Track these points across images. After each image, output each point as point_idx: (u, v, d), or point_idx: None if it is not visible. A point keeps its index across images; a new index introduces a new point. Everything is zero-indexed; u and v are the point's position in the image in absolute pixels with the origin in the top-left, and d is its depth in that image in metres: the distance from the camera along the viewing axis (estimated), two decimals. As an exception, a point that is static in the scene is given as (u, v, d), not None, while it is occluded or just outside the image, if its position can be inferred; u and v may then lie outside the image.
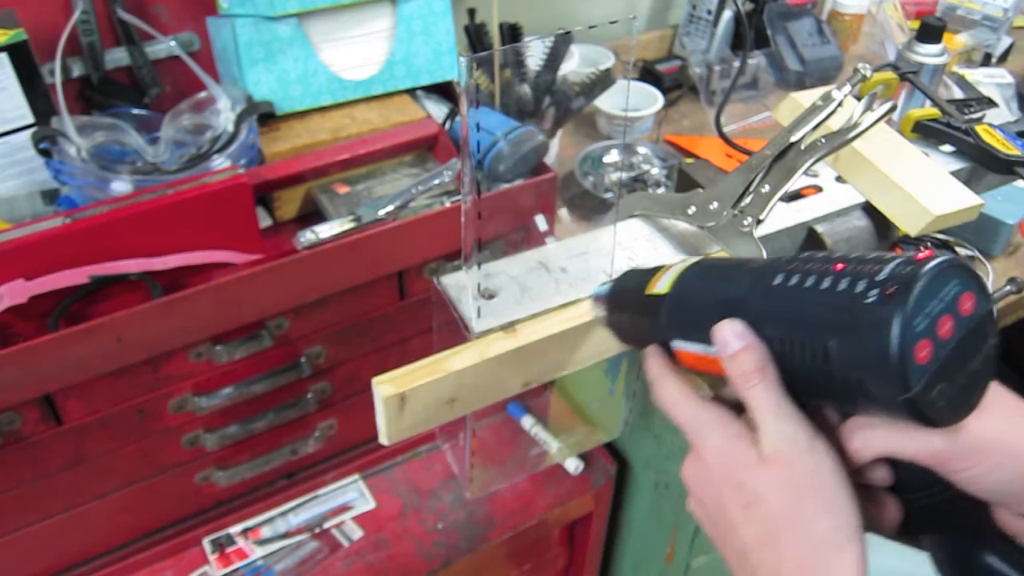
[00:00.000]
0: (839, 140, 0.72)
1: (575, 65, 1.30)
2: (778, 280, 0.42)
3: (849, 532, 0.43)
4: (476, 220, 0.60)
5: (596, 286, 0.59)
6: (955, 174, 0.83)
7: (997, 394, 0.43)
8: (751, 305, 0.44)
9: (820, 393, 0.43)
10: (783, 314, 0.42)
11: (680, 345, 0.50)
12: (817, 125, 0.72)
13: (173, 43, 0.87)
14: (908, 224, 0.75)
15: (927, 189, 0.74)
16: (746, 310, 0.44)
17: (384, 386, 0.57)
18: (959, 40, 1.45)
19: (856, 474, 0.45)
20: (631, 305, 0.56)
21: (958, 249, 0.98)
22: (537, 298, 0.64)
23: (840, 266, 0.39)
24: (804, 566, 0.43)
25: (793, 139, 0.70)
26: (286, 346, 0.85)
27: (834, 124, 0.73)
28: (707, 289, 0.49)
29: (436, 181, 0.84)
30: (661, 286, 0.52)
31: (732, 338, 0.44)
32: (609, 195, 1.12)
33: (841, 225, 0.79)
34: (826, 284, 0.39)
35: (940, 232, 1.00)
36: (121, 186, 0.76)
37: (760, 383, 0.44)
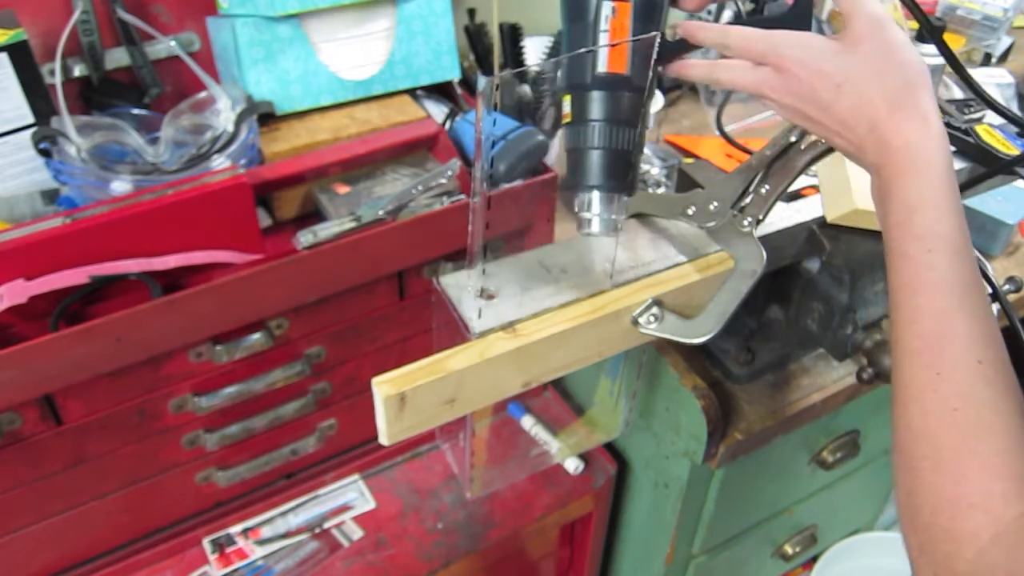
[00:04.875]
0: (839, 140, 0.72)
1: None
2: None
3: (927, 78, 0.55)
4: (484, 225, 0.60)
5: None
6: (964, 171, 0.83)
7: None
8: None
9: None
10: None
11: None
12: (817, 125, 0.72)
13: (173, 43, 0.87)
14: (829, 207, 0.76)
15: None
16: None
17: (384, 386, 0.57)
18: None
19: None
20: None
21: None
22: (537, 298, 0.64)
23: None
24: (896, 106, 0.54)
25: (793, 139, 0.70)
26: (286, 346, 0.85)
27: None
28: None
29: (436, 181, 0.84)
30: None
31: None
32: (609, 195, 1.12)
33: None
34: None
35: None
36: (121, 186, 0.76)
37: None
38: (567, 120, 0.60)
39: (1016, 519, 0.44)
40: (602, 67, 0.58)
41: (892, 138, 0.54)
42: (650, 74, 0.59)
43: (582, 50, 0.58)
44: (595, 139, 0.58)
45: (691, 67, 0.61)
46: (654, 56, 0.58)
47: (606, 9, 0.57)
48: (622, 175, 0.60)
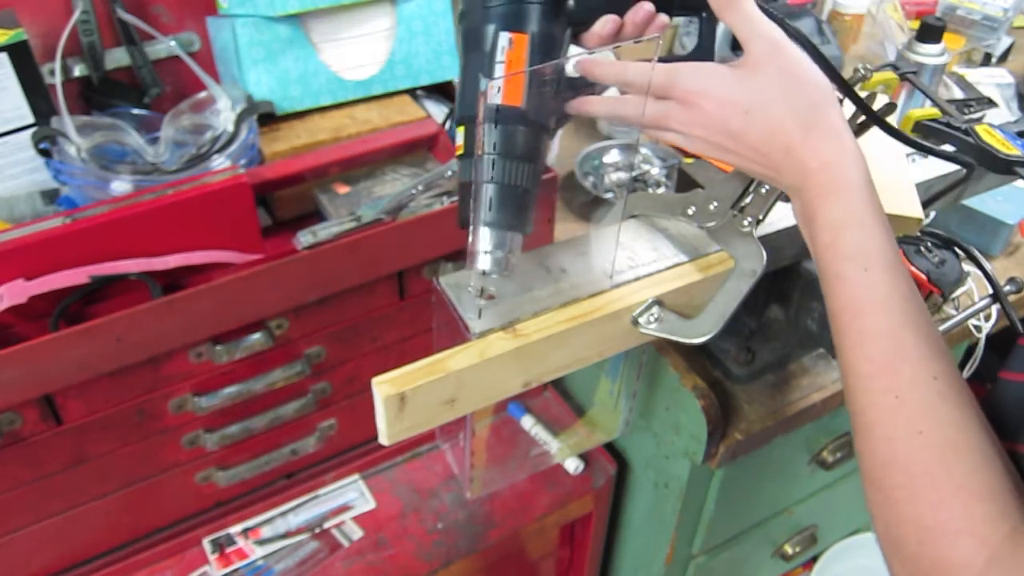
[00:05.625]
0: (839, 140, 0.72)
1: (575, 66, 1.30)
2: None
3: (833, 95, 0.54)
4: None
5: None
6: (955, 174, 0.83)
7: None
8: None
9: None
10: None
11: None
12: (817, 125, 0.72)
13: (173, 43, 0.87)
14: None
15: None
16: None
17: (384, 386, 0.57)
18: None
19: None
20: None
21: (957, 249, 0.98)
22: (537, 298, 0.64)
23: None
24: (808, 127, 0.53)
25: (793, 139, 0.70)
26: (286, 346, 0.85)
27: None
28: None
29: (436, 181, 0.84)
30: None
31: None
32: (609, 195, 1.12)
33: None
34: None
35: (939, 230, 1.00)
36: (121, 186, 0.76)
37: None
38: (459, 152, 0.58)
39: (1005, 539, 0.43)
40: (496, 99, 0.56)
41: (809, 160, 0.53)
42: (546, 109, 0.57)
43: (478, 81, 0.57)
44: (487, 173, 0.56)
45: (592, 103, 0.60)
46: (551, 88, 0.57)
47: (503, 40, 0.56)
48: (516, 212, 0.57)
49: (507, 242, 0.57)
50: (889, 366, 0.48)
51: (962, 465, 0.45)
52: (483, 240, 0.57)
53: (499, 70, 0.56)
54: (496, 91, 0.55)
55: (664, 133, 0.58)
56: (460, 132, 0.58)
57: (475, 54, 0.58)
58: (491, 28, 0.57)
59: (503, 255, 0.57)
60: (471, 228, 0.58)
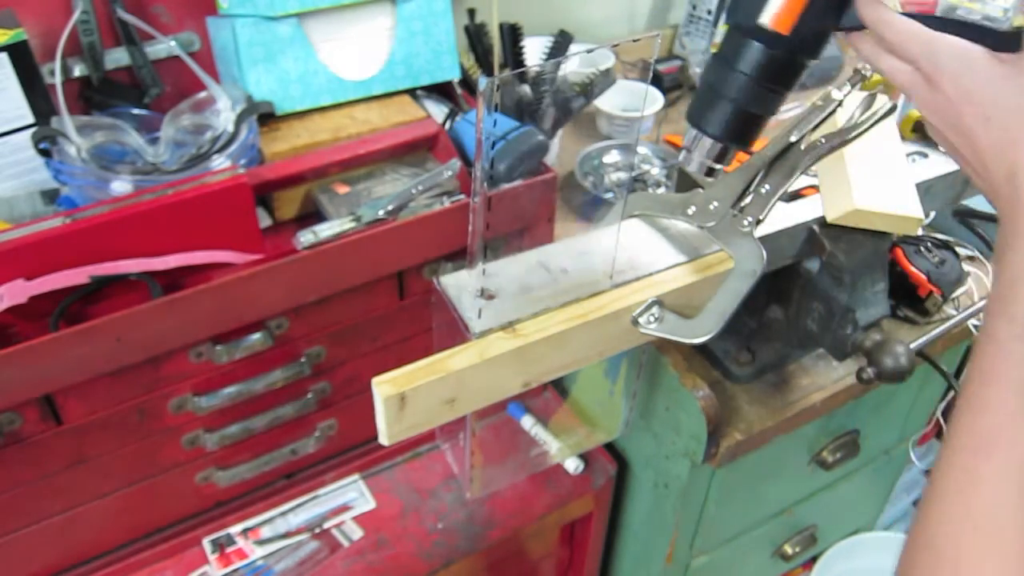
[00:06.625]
0: (839, 140, 0.72)
1: (575, 65, 1.30)
2: None
3: None
4: (484, 225, 0.60)
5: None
6: (955, 174, 0.83)
7: None
8: None
9: None
10: None
11: (767, 14, 0.53)
12: (817, 125, 0.72)
13: (173, 43, 0.87)
14: (829, 208, 0.76)
15: (871, 185, 0.74)
16: None
17: (384, 386, 0.57)
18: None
19: None
20: (713, 74, 0.59)
21: (958, 249, 0.98)
22: (537, 298, 0.64)
23: None
24: None
25: (793, 139, 0.70)
26: (286, 346, 0.85)
27: (834, 124, 0.73)
28: None
29: (436, 181, 0.84)
30: (720, 39, 0.59)
31: None
32: (609, 195, 1.12)
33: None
34: None
35: (939, 233, 1.00)
36: (121, 186, 0.76)
37: None
38: (714, 50, 0.59)
39: None
40: (765, 19, 0.54)
41: None
42: (812, 44, 0.55)
43: None
44: (730, 90, 0.57)
45: (861, 41, 0.55)
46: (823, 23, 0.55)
47: None
48: (741, 134, 0.60)
49: (723, 155, 0.61)
50: (988, 445, 0.43)
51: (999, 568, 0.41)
52: (700, 146, 0.61)
53: None
54: (769, 11, 0.54)
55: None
56: (723, 30, 0.59)
57: None
58: None
59: (706, 162, 0.61)
60: (691, 128, 0.61)
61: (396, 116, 0.92)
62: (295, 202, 0.87)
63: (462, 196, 0.85)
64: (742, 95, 0.57)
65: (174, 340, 0.76)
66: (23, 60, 0.78)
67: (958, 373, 1.17)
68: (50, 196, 0.81)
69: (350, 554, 0.95)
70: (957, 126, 0.49)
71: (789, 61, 0.56)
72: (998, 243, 0.48)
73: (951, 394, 1.15)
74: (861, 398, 0.97)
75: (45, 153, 0.78)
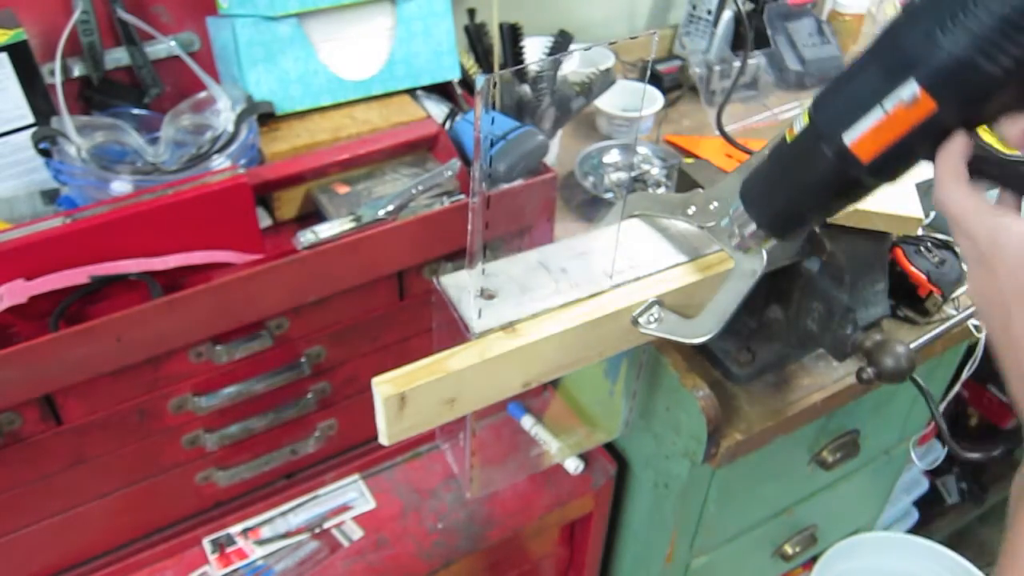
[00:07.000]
0: (839, 140, 0.72)
1: (575, 65, 1.30)
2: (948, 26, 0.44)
3: None
4: (483, 224, 0.60)
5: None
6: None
7: None
8: (903, 36, 0.46)
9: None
10: (947, 11, 0.44)
11: (854, 133, 0.49)
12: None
13: (173, 43, 0.87)
14: None
15: None
16: (899, 44, 0.46)
17: (384, 386, 0.57)
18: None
19: None
20: (779, 169, 0.57)
21: (958, 249, 0.98)
22: (537, 298, 0.64)
23: None
24: None
25: (793, 139, 0.70)
26: (286, 346, 0.85)
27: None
28: (847, 80, 0.50)
29: (436, 181, 0.84)
30: (799, 126, 0.53)
31: None
32: (609, 195, 1.12)
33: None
34: None
35: (939, 233, 1.00)
36: (121, 186, 0.76)
37: None
38: (789, 136, 0.55)
39: None
40: (848, 139, 0.50)
41: None
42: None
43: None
44: (791, 189, 0.55)
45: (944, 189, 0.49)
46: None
47: (908, 89, 0.46)
48: (785, 230, 0.60)
49: (752, 233, 0.62)
50: None
51: None
52: (738, 219, 0.62)
53: (876, 112, 0.48)
54: (855, 134, 0.50)
55: None
56: (804, 117, 0.54)
57: (875, 68, 0.48)
58: (907, 61, 0.46)
59: (738, 231, 0.63)
60: (740, 205, 0.62)
61: (396, 116, 0.92)
62: (295, 202, 0.87)
63: (462, 196, 0.85)
64: (801, 198, 0.55)
65: (174, 340, 0.76)
66: (23, 60, 0.78)
67: (958, 373, 1.17)
68: (50, 196, 0.81)
69: (350, 554, 0.95)
70: (1005, 323, 0.45)
71: (860, 183, 0.52)
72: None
73: (951, 394, 1.15)
74: (861, 398, 0.97)
75: (45, 153, 0.78)
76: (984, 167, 0.48)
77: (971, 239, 0.47)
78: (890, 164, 0.50)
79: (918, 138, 0.48)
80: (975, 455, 1.09)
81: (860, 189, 0.53)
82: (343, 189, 0.87)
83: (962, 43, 0.43)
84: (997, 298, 0.45)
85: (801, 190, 0.55)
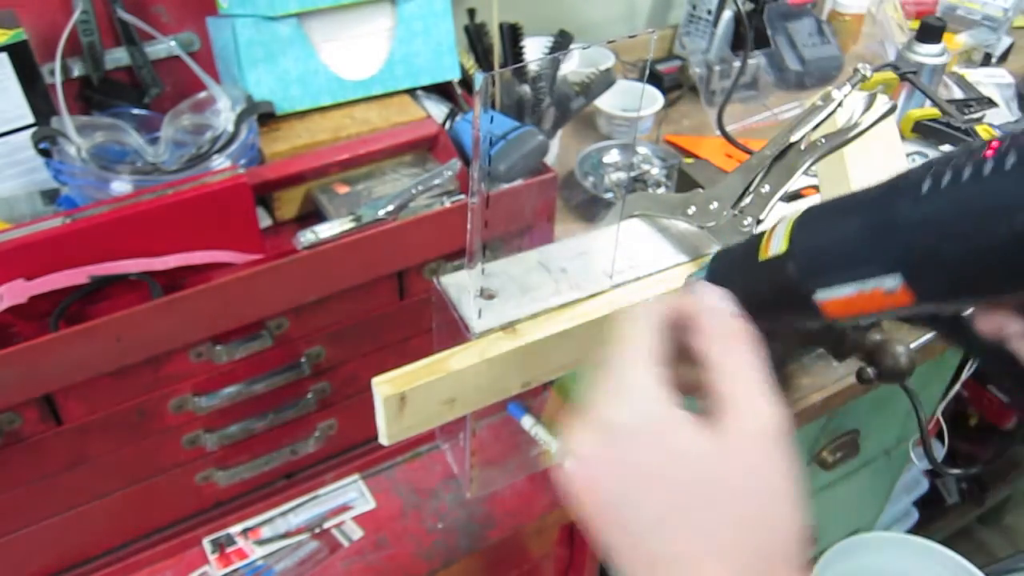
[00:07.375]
0: (839, 140, 0.72)
1: (575, 65, 1.30)
2: (927, 186, 0.40)
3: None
4: (483, 224, 0.60)
5: (690, 277, 0.57)
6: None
7: None
8: (904, 219, 0.41)
9: (1000, 279, 0.39)
10: (951, 212, 0.39)
11: (827, 294, 0.46)
12: (817, 125, 0.72)
13: (173, 43, 0.87)
14: None
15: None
16: (900, 226, 0.41)
17: (384, 386, 0.57)
18: (959, 40, 1.45)
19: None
20: (742, 278, 0.52)
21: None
22: (537, 298, 0.64)
23: (992, 150, 0.37)
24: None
25: (793, 139, 0.70)
26: (286, 346, 0.85)
27: (834, 124, 0.73)
28: (840, 226, 0.46)
29: (436, 181, 0.84)
30: (776, 247, 0.49)
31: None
32: (609, 195, 1.12)
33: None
34: (989, 168, 0.37)
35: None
36: (121, 186, 0.76)
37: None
38: (763, 256, 0.51)
39: None
40: (820, 297, 0.47)
41: None
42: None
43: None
44: (759, 321, 0.51)
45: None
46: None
47: (890, 281, 0.43)
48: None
49: None
50: None
51: None
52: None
53: (850, 288, 0.45)
54: (827, 296, 0.46)
55: None
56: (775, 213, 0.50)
57: (866, 236, 0.44)
58: (890, 257, 0.42)
59: None
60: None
61: (396, 116, 0.92)
62: (295, 202, 0.87)
63: (462, 196, 0.85)
64: (758, 308, 0.51)
65: (174, 340, 0.76)
66: (23, 60, 0.78)
67: (958, 373, 1.17)
68: (50, 196, 0.81)
69: (350, 554, 0.95)
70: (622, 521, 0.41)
71: (827, 329, 0.52)
72: None
73: (951, 394, 1.15)
74: (861, 398, 0.97)
75: (45, 153, 0.78)
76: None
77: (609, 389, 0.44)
78: (854, 320, 0.50)
79: (888, 314, 0.46)
80: (956, 471, 1.09)
81: (827, 332, 0.52)
82: (343, 189, 0.87)
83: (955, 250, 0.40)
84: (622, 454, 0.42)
85: (758, 304, 0.51)
